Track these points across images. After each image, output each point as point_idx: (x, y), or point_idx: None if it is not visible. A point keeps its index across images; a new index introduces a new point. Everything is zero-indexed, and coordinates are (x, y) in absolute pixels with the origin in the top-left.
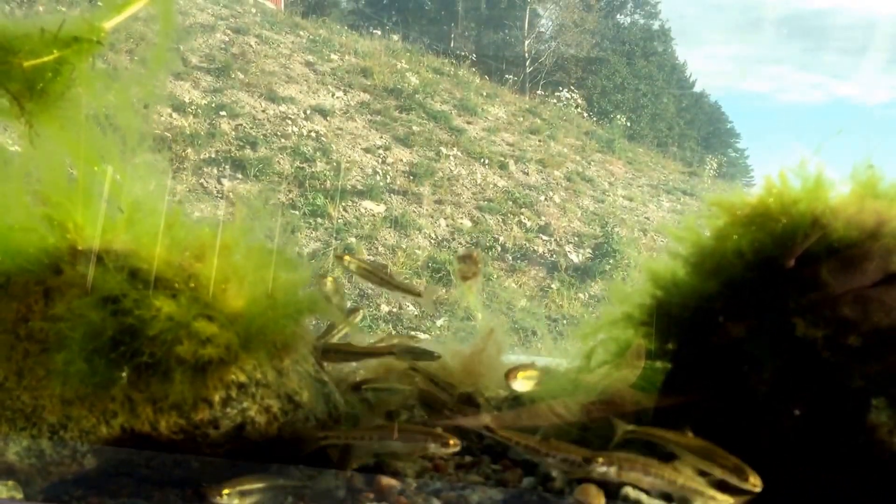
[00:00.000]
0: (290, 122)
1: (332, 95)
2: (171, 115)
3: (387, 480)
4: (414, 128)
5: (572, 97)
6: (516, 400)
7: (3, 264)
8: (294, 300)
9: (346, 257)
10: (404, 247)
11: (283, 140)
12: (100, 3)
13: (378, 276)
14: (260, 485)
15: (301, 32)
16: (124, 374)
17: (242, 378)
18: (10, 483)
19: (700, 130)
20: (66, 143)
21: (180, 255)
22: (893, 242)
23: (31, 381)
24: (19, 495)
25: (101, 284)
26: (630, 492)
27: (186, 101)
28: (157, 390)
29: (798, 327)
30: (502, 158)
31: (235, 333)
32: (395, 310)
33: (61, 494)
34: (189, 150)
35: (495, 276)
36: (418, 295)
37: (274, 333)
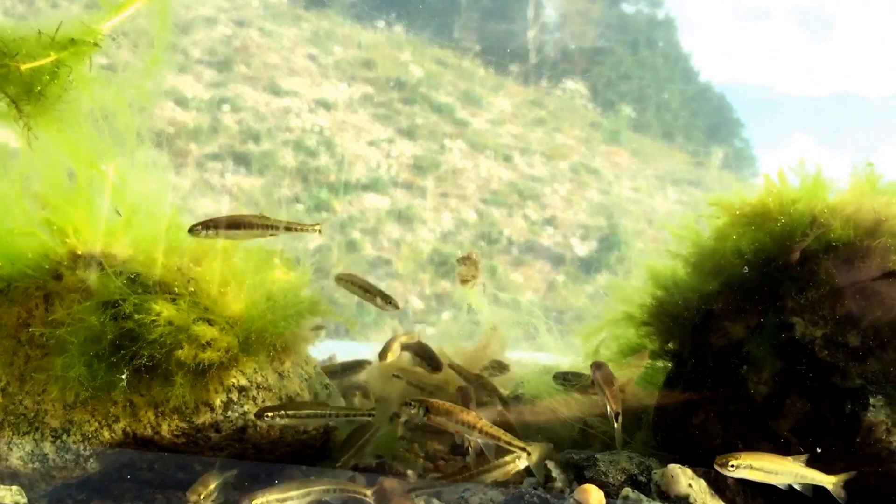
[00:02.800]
0: (293, 115)
1: (336, 88)
2: (173, 110)
3: (389, 482)
4: (418, 120)
5: (577, 88)
6: (517, 398)
7: (4, 269)
8: (294, 302)
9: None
10: (409, 240)
11: (286, 134)
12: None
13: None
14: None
15: (303, 25)
16: (124, 377)
17: (243, 381)
18: (15, 488)
19: (706, 121)
20: (65, 145)
21: (179, 258)
22: (892, 241)
23: (33, 386)
24: (23, 499)
25: (101, 289)
26: (630, 493)
27: (189, 95)
28: (158, 394)
29: (797, 327)
30: (507, 150)
31: (235, 336)
32: (399, 305)
33: (65, 498)
34: (192, 145)
35: (500, 270)
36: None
37: (274, 336)
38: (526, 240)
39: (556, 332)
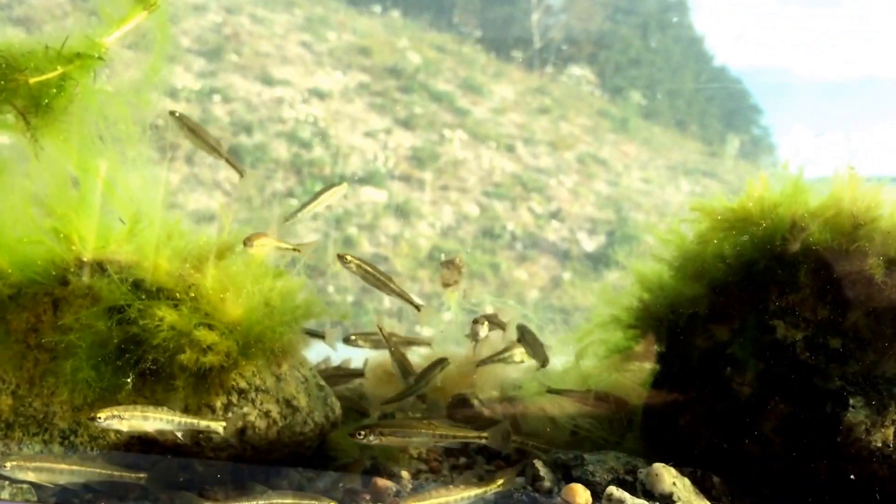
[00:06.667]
0: (286, 105)
1: (330, 77)
2: (161, 101)
3: (383, 482)
4: (416, 109)
5: (584, 74)
6: (511, 401)
7: (14, 276)
8: (291, 307)
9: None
10: (407, 236)
11: (279, 125)
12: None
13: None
14: None
15: (296, 11)
16: (130, 381)
17: (242, 384)
18: (25, 486)
19: (722, 107)
20: (70, 155)
21: (181, 265)
22: (869, 245)
23: (41, 389)
24: (33, 498)
25: (107, 295)
26: (614, 491)
27: (178, 86)
28: (161, 396)
29: (778, 329)
30: (510, 140)
31: (235, 341)
32: (398, 304)
33: (72, 498)
34: (181, 138)
35: (504, 266)
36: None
37: (272, 341)
38: (530, 234)
39: (558, 333)
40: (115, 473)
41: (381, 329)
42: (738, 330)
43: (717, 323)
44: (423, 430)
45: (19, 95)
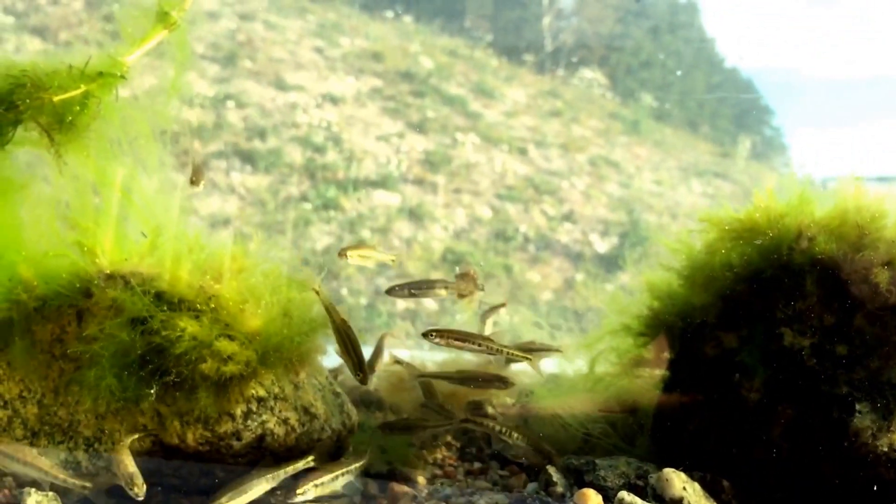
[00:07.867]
0: (299, 110)
1: (343, 81)
2: (176, 108)
3: (399, 487)
4: (429, 113)
5: (595, 76)
6: (524, 407)
7: (39, 289)
8: (309, 317)
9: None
10: (420, 239)
11: (293, 130)
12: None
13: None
14: None
15: (309, 17)
16: (153, 391)
17: (262, 392)
18: (50, 494)
19: (733, 108)
20: (93, 170)
21: (201, 277)
22: (874, 255)
23: (66, 398)
24: None
25: (130, 306)
26: (625, 496)
27: (193, 92)
28: (183, 405)
29: (786, 336)
30: (522, 143)
31: (254, 351)
32: (411, 306)
33: None
34: (196, 143)
35: (517, 269)
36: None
37: (290, 350)
38: (543, 236)
39: (572, 334)
40: (60, 477)
41: (400, 361)
42: (747, 337)
43: (726, 331)
44: (255, 476)
45: (44, 113)
